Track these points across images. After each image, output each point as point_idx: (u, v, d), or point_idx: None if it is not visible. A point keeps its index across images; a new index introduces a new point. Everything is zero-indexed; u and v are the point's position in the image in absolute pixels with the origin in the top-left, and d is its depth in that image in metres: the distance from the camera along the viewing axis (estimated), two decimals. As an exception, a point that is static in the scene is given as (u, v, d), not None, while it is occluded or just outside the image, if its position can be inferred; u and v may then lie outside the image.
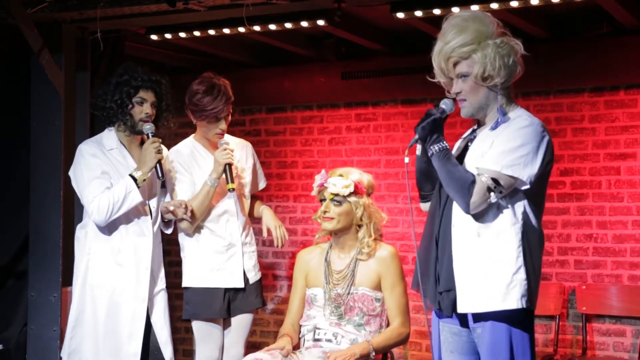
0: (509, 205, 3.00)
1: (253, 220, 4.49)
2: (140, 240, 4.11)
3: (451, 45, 3.04)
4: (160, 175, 4.05)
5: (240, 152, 4.40)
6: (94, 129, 5.28)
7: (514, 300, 2.96)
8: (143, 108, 4.09)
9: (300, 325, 4.01)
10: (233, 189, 4.19)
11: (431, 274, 3.11)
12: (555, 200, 5.57)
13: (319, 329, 3.91)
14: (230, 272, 4.28)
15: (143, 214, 4.13)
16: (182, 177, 4.30)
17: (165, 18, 4.99)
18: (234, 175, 4.20)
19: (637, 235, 5.41)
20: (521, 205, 3.02)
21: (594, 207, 5.53)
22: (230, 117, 4.34)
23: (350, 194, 3.87)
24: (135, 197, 4.00)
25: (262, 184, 4.58)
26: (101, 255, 4.09)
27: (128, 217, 4.08)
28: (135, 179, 3.99)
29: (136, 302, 4.08)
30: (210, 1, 4.64)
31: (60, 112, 5.04)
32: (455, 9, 4.69)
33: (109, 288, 4.07)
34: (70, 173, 4.15)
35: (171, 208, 4.12)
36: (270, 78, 6.45)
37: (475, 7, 4.62)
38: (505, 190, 2.97)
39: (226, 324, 4.35)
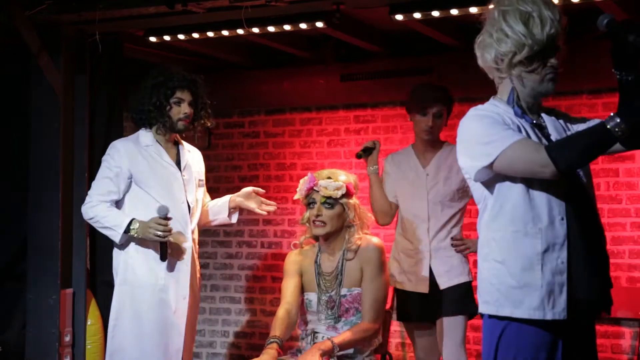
0: None
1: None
2: (179, 237, 4.13)
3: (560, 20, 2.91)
4: (161, 257, 4.07)
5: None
6: (93, 131, 5.28)
7: None
8: (181, 108, 4.16)
9: (302, 331, 4.00)
10: (359, 156, 4.24)
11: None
12: (554, 202, 5.56)
13: (317, 332, 3.90)
14: (415, 277, 4.22)
15: (182, 211, 4.15)
16: (387, 177, 4.36)
17: (163, 20, 4.99)
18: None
19: (636, 237, 5.41)
20: None
21: (593, 209, 5.52)
22: (440, 119, 4.23)
23: (342, 196, 3.85)
24: (113, 236, 4.08)
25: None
26: (140, 253, 4.12)
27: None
28: (129, 228, 4.02)
29: (178, 298, 4.12)
30: (209, 3, 4.64)
31: (59, 114, 5.04)
32: (454, 11, 4.70)
33: (150, 285, 4.10)
34: None
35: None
36: (269, 80, 6.45)
37: (473, 10, 4.63)
38: None
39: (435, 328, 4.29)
